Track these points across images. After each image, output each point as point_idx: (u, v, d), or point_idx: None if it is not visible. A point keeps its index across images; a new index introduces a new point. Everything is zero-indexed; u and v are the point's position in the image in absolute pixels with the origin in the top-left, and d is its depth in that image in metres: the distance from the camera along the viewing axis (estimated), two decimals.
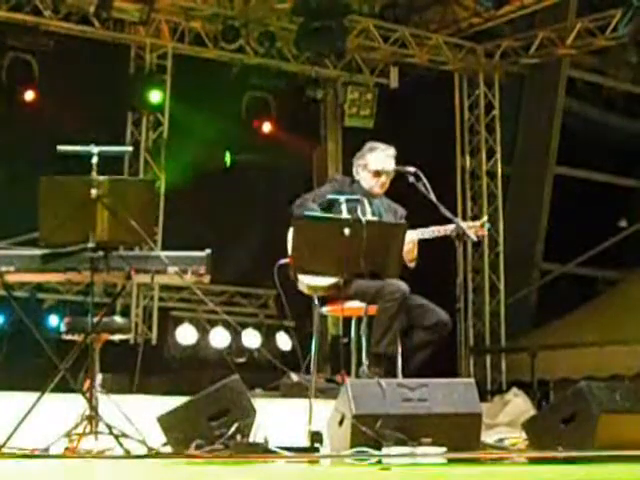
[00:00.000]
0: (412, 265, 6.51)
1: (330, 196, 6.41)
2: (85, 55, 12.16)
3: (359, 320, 6.45)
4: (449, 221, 6.39)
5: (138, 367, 10.53)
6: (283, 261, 6.15)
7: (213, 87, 12.83)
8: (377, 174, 6.64)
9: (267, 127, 13.39)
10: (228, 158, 13.52)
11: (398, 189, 6.70)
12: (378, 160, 6.64)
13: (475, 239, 6.44)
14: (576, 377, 11.07)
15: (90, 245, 5.65)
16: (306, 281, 6.31)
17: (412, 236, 6.41)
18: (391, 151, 6.67)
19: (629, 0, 11.41)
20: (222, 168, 13.37)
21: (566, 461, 5.29)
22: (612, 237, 15.26)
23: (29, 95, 12.02)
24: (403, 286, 6.22)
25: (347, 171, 6.86)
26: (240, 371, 6.28)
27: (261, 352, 12.66)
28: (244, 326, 13.06)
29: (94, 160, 5.75)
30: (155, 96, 12.44)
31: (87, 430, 5.58)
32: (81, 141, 5.88)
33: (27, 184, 6.00)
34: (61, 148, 5.81)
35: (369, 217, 6.42)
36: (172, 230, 12.15)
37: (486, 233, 6.67)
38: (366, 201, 6.59)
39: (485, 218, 6.75)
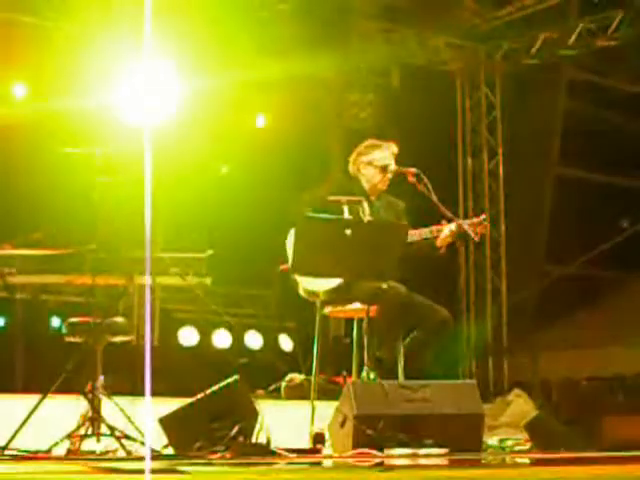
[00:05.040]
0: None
1: (331, 197, 6.38)
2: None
3: (361, 321, 6.44)
4: (450, 222, 6.38)
5: (141, 369, 10.51)
6: (283, 267, 6.15)
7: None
8: (384, 170, 6.61)
9: (266, 127, 13.37)
10: (223, 168, 13.48)
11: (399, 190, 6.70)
12: (384, 156, 6.62)
13: (475, 238, 6.41)
14: (578, 378, 11.09)
15: (92, 247, 5.65)
16: (305, 286, 6.30)
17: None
18: (394, 148, 6.66)
19: (630, 1, 11.41)
20: (217, 176, 13.36)
21: (568, 462, 5.29)
22: (614, 238, 15.22)
23: (32, 92, 12.01)
24: (401, 288, 6.22)
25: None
26: (242, 372, 6.27)
27: (263, 353, 12.65)
28: (246, 327, 13.06)
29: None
30: None
31: (89, 432, 5.58)
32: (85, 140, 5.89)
33: (29, 185, 6.00)
34: (67, 149, 5.81)
35: (368, 218, 6.42)
36: (174, 231, 12.10)
37: (485, 231, 6.60)
38: (365, 202, 6.57)
39: (483, 216, 6.64)
